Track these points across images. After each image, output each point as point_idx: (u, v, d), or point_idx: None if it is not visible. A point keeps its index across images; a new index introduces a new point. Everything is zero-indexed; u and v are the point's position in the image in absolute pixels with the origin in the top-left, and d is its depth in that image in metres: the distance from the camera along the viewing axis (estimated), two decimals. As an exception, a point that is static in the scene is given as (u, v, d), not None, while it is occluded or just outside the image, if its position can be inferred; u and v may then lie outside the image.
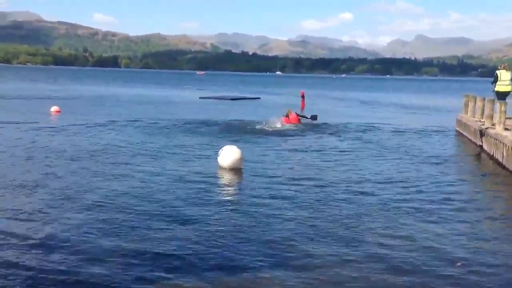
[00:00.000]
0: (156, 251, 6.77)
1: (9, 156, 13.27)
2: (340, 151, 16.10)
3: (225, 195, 10.20)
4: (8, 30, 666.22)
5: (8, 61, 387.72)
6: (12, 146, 14.97)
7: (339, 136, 20.05)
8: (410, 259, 6.67)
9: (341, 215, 8.61)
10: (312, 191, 10.28)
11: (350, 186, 10.82)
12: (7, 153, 13.72)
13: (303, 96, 35.75)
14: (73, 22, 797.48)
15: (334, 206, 9.17)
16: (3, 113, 24.87)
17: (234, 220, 8.26)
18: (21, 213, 8.24)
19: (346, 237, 7.50)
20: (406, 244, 7.24)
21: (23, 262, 6.25)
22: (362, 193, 10.27)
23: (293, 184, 10.87)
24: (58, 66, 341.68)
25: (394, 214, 8.80)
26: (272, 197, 9.75)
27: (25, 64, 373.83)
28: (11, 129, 18.85)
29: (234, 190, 10.81)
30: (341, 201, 9.58)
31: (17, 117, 22.96)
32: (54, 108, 26.08)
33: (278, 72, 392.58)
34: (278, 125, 22.74)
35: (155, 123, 22.67)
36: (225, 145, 13.34)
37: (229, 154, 12.41)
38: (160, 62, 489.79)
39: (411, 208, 9.18)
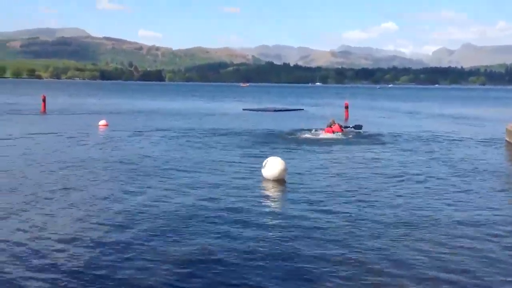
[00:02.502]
0: (199, 258, 6.81)
1: (60, 165, 13.62)
2: (385, 162, 15.78)
3: (269, 207, 10.11)
4: (57, 46, 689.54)
5: (57, 76, 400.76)
6: (63, 156, 15.39)
7: (384, 146, 19.72)
8: (467, 267, 6.45)
9: (386, 230, 8.36)
10: (355, 203, 10.07)
11: (396, 199, 10.54)
12: (59, 163, 14.11)
13: (347, 107, 35.49)
14: (119, 37, 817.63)
15: (379, 220, 8.90)
16: (56, 126, 25.63)
17: (277, 232, 8.16)
18: (71, 216, 8.44)
19: (390, 253, 7.29)
20: (460, 259, 7.00)
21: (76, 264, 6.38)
22: (407, 205, 10.01)
23: (336, 196, 10.70)
24: (105, 81, 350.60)
25: (445, 228, 8.47)
26: (315, 209, 9.59)
27: (73, 79, 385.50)
28: (63, 141, 19.38)
29: (278, 202, 10.72)
30: (386, 215, 9.31)
31: (68, 130, 23.59)
32: (102, 122, 26.70)
33: (317, 83, 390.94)
34: (322, 135, 22.67)
35: (200, 135, 22.90)
36: (269, 156, 13.31)
37: (273, 166, 12.37)
38: (203, 75, 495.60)
39: (465, 221, 8.86)
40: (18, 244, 7.37)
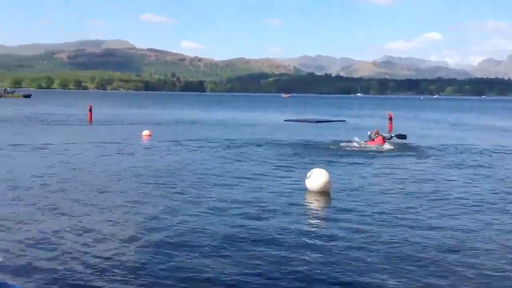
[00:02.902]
0: (235, 271, 6.75)
1: (103, 173, 13.87)
2: (429, 176, 15.33)
3: (313, 219, 9.99)
4: (103, 57, 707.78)
5: (103, 87, 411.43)
6: (106, 165, 15.67)
7: (428, 159, 19.23)
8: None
9: (433, 245, 8.09)
10: (399, 221, 9.75)
11: (442, 213, 10.24)
12: (102, 171, 14.38)
13: (390, 118, 34.96)
14: (162, 49, 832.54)
15: (424, 236, 8.62)
16: (101, 136, 26.17)
17: (319, 247, 8.02)
18: (109, 221, 8.55)
19: (441, 271, 7.07)
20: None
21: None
22: (453, 219, 9.72)
23: (380, 211, 10.42)
24: (148, 91, 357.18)
25: (497, 253, 8.11)
26: (358, 225, 9.35)
27: (118, 89, 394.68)
28: (107, 151, 19.75)
29: (322, 214, 10.58)
30: (432, 229, 9.03)
31: (113, 140, 24.04)
32: (145, 132, 27.12)
33: (359, 94, 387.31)
34: (365, 147, 22.41)
35: (241, 145, 22.95)
36: (312, 167, 13.21)
37: (317, 178, 12.24)
38: (244, 86, 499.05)
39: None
40: (59, 244, 7.51)
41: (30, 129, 30.62)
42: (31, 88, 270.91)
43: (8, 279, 6.31)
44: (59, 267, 6.91)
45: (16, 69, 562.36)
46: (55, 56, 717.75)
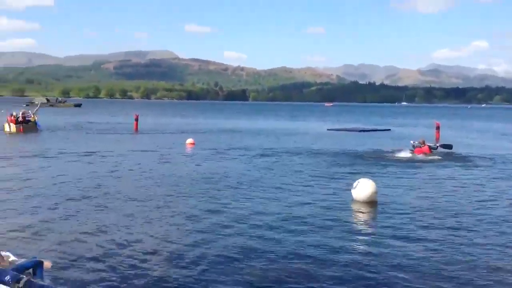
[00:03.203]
0: (280, 278, 6.61)
1: (148, 180, 13.98)
2: (478, 185, 14.85)
3: (359, 229, 9.73)
4: (148, 68, 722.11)
5: (147, 96, 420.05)
6: (150, 172, 15.82)
7: (476, 169, 18.58)
8: None
9: (482, 263, 7.67)
10: (447, 231, 9.43)
11: (491, 228, 9.75)
12: (146, 179, 14.50)
13: (438, 128, 34.13)
14: (205, 59, 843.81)
15: (473, 253, 8.19)
16: (147, 144, 26.53)
17: (365, 258, 7.77)
18: (152, 226, 8.53)
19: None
20: None
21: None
22: (504, 234, 9.27)
23: (428, 222, 10.12)
24: (191, 101, 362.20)
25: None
26: (405, 235, 9.12)
27: (162, 99, 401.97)
28: (152, 159, 19.98)
29: (369, 224, 10.30)
30: (480, 243, 8.63)
31: (158, 148, 24.37)
32: (189, 141, 27.36)
33: (403, 103, 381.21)
34: (411, 156, 21.94)
35: (284, 154, 22.80)
36: (357, 177, 13.03)
37: (364, 187, 12.01)
38: (286, 95, 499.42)
39: None
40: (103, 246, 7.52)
41: (79, 137, 31.36)
42: (79, 98, 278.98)
43: (58, 284, 6.33)
44: (105, 271, 6.91)
45: (65, 79, 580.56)
46: (102, 66, 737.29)
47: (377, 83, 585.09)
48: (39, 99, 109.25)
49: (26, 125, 34.09)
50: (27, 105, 61.28)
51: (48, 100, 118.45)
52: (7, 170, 16.55)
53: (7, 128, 33.22)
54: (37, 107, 41.59)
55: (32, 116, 35.89)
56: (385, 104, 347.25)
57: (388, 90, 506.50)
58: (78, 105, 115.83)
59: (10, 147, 23.85)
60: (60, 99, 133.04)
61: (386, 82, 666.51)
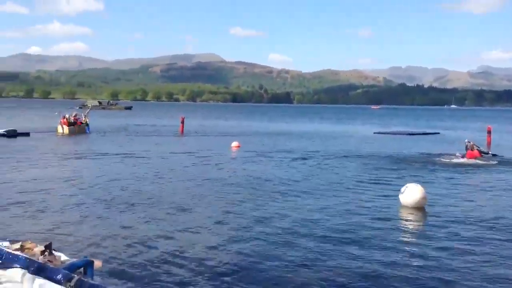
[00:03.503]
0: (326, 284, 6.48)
1: (191, 182, 14.10)
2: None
3: (406, 235, 9.48)
4: (194, 71, 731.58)
5: (193, 99, 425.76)
6: (197, 174, 15.91)
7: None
8: None
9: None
10: (498, 241, 9.04)
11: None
12: (190, 180, 14.63)
13: (489, 132, 33.09)
14: (250, 61, 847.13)
15: None
16: (192, 146, 26.84)
17: (415, 263, 7.57)
18: (196, 226, 8.57)
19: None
20: None
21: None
22: None
23: (477, 229, 9.76)
24: (236, 103, 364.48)
25: None
26: (455, 243, 8.82)
27: (207, 101, 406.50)
28: (197, 161, 20.17)
29: (416, 230, 10.02)
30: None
31: (204, 151, 24.57)
32: (234, 143, 27.50)
33: (452, 106, 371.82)
34: (460, 161, 21.35)
35: (330, 157, 22.57)
36: (405, 181, 12.84)
37: (412, 192, 11.74)
38: (332, 97, 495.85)
39: None
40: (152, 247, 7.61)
41: (126, 139, 31.99)
42: (126, 100, 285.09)
43: (108, 284, 6.43)
44: (154, 271, 6.99)
45: (114, 82, 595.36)
46: (150, 70, 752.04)
47: (426, 86, 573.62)
48: (91, 102, 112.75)
49: (78, 127, 35.14)
50: (80, 108, 63.43)
51: (100, 102, 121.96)
52: (55, 169, 17.04)
53: (60, 130, 34.38)
54: (88, 110, 42.89)
55: (84, 118, 37.02)
56: (433, 107, 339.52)
57: (437, 93, 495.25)
58: (129, 108, 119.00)
59: (60, 148, 24.61)
60: (111, 101, 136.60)
61: (435, 84, 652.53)
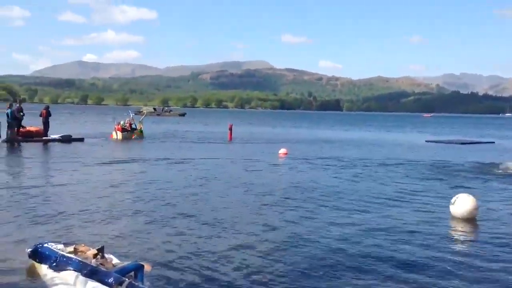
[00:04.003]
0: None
1: (240, 189, 14.21)
2: None
3: (457, 248, 9.19)
4: (243, 78, 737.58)
5: (241, 106, 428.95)
6: (240, 180, 15.99)
7: None
8: None
9: None
10: None
11: None
12: (238, 187, 14.72)
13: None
14: (300, 69, 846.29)
15: None
16: (240, 153, 27.04)
17: (466, 277, 7.34)
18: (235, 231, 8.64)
19: None
20: None
21: None
22: None
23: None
24: (284, 110, 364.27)
25: None
26: (509, 258, 8.51)
27: (256, 108, 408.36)
28: (244, 167, 20.27)
29: (467, 244, 9.71)
30: None
31: (251, 157, 24.70)
32: (282, 150, 27.48)
33: (507, 114, 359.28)
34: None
35: (379, 166, 22.21)
36: (456, 192, 12.52)
37: (463, 203, 11.42)
38: (382, 105, 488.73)
39: None
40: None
41: (175, 145, 32.49)
42: (177, 107, 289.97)
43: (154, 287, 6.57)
44: (203, 277, 7.07)
45: (165, 89, 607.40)
46: (199, 77, 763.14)
47: (480, 93, 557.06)
48: (146, 109, 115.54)
49: (132, 133, 36.10)
50: (135, 114, 65.22)
51: (155, 109, 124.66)
52: (106, 174, 17.50)
53: (114, 136, 35.42)
54: (143, 116, 44.02)
55: (138, 124, 38.06)
56: (488, 115, 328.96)
57: (492, 101, 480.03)
58: (182, 114, 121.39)
59: (112, 154, 25.23)
60: (166, 108, 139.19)
61: (490, 92, 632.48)
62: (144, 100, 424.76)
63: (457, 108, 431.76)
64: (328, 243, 9.13)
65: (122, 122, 36.72)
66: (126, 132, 35.65)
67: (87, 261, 6.38)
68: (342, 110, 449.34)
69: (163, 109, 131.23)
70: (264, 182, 16.56)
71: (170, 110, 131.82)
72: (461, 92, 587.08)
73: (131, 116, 39.26)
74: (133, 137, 35.63)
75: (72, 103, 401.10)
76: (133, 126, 37.24)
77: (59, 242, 7.37)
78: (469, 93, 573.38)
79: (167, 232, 9.64)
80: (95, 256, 6.50)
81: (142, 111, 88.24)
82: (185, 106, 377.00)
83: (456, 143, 41.57)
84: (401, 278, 7.34)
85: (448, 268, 7.86)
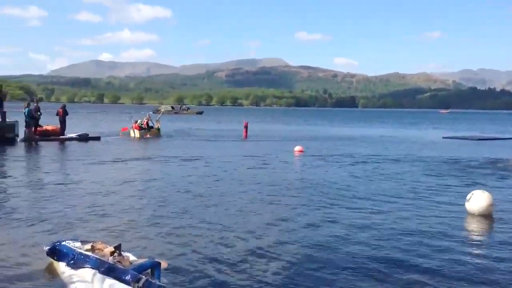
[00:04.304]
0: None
1: (253, 186, 14.23)
2: None
3: (472, 245, 9.09)
4: (258, 75, 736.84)
5: (256, 103, 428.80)
6: (254, 178, 15.94)
7: None
8: None
9: None
10: None
11: None
12: (251, 184, 14.69)
13: None
14: (315, 66, 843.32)
15: None
16: (255, 151, 27.02)
17: (482, 276, 7.27)
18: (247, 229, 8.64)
19: None
20: None
21: None
22: None
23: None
24: (300, 108, 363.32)
25: None
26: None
27: (271, 106, 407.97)
28: (258, 164, 20.24)
29: (483, 240, 9.60)
30: None
31: (266, 155, 24.68)
32: (297, 148, 27.43)
33: None
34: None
35: (395, 162, 22.07)
36: (473, 188, 12.41)
37: (479, 200, 11.32)
38: (398, 101, 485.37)
39: None
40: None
41: (191, 143, 32.63)
42: (192, 105, 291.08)
43: (174, 285, 6.61)
44: (219, 274, 7.09)
45: (180, 87, 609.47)
46: (215, 75, 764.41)
47: (498, 89, 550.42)
48: (164, 107, 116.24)
49: (148, 131, 36.42)
50: (153, 113, 65.84)
51: (173, 107, 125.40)
52: (122, 172, 17.64)
53: (132, 134, 35.87)
54: (160, 115, 44.43)
55: (156, 122, 38.47)
56: (506, 111, 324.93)
57: (510, 97, 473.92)
58: (200, 113, 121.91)
59: (128, 152, 25.40)
60: (184, 106, 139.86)
61: (508, 88, 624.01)
62: (159, 98, 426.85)
63: (474, 104, 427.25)
64: (342, 246, 9.11)
65: (139, 121, 37.11)
66: (143, 130, 36.01)
67: (105, 259, 6.44)
68: (357, 107, 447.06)
69: (180, 107, 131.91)
70: (279, 180, 16.51)
71: (188, 108, 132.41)
72: (478, 88, 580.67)
73: (148, 115, 39.64)
74: (150, 135, 35.97)
75: (89, 102, 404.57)
76: (150, 124, 37.59)
77: (77, 240, 7.45)
78: (487, 89, 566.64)
79: (186, 229, 9.66)
80: (112, 253, 6.56)
81: (160, 110, 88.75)
82: (200, 104, 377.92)
83: (473, 139, 41.14)
84: (413, 277, 7.29)
85: (462, 264, 7.82)
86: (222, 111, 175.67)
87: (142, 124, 36.65)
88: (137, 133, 35.66)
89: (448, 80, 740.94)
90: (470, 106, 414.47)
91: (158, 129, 38.12)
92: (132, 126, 36.54)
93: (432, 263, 7.87)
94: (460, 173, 19.13)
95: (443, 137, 43.30)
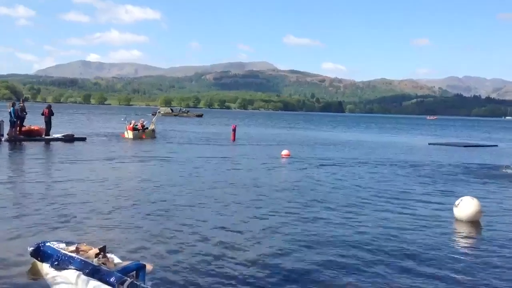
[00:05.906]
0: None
1: (240, 189, 14.18)
2: None
3: (460, 251, 9.14)
4: (246, 79, 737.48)
5: (244, 107, 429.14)
6: (240, 181, 15.94)
7: None
8: None
9: None
10: None
11: None
12: (236, 187, 14.66)
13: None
14: (303, 70, 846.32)
15: None
16: (242, 154, 27.00)
17: (469, 281, 7.30)
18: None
19: None
20: None
21: None
22: None
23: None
24: (287, 112, 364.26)
25: None
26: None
27: (258, 109, 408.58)
28: (245, 169, 20.23)
29: (471, 246, 9.67)
30: None
31: (253, 159, 24.69)
32: (284, 152, 27.45)
33: (507, 117, 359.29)
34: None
35: (383, 168, 22.14)
36: (460, 194, 12.59)
37: (467, 206, 11.37)
38: (385, 107, 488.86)
39: None
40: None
41: (181, 145, 32.47)
42: (179, 107, 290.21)
43: (155, 286, 6.53)
44: (206, 277, 7.03)
45: (168, 89, 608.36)
46: (203, 77, 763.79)
47: (483, 97, 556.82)
48: (164, 109, 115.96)
49: (143, 132, 36.38)
50: (153, 114, 65.97)
51: (172, 110, 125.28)
52: (106, 172, 17.48)
53: (126, 135, 35.84)
54: (155, 117, 44.55)
55: (151, 124, 38.52)
56: (490, 118, 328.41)
57: (495, 104, 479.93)
58: (200, 115, 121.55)
59: (115, 152, 25.21)
60: (183, 109, 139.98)
61: (493, 95, 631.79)
62: (147, 100, 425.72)
63: (459, 111, 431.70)
64: (328, 244, 9.09)
65: (133, 122, 37.22)
66: (136, 132, 35.94)
67: (89, 260, 6.36)
68: (344, 112, 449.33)
69: (180, 109, 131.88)
70: (267, 182, 16.52)
71: (188, 111, 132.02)
72: (464, 95, 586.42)
73: (142, 120, 39.59)
74: (144, 137, 35.91)
75: (75, 102, 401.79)
76: (146, 126, 37.58)
77: (61, 241, 7.35)
78: (472, 96, 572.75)
79: (171, 231, 9.59)
80: (97, 255, 6.47)
81: (159, 112, 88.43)
82: (187, 106, 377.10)
83: (459, 145, 41.46)
84: (400, 282, 7.28)
85: (449, 270, 7.82)
86: (210, 114, 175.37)
87: (136, 126, 36.63)
88: (130, 134, 35.62)
89: (434, 86, 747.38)
90: (455, 113, 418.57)
91: (153, 131, 38.16)
92: (126, 128, 36.59)
93: (415, 266, 7.89)
94: (447, 179, 19.23)
95: (428, 143, 43.56)
